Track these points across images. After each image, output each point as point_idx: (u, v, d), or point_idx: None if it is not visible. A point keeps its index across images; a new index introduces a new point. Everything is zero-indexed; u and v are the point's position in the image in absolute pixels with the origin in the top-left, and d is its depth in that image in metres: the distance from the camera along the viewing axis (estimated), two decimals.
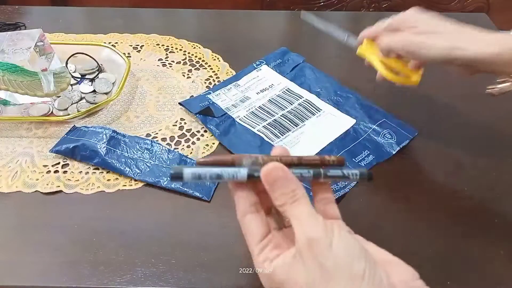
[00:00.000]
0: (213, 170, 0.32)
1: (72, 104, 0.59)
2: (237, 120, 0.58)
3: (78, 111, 0.58)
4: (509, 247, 0.46)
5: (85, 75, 0.64)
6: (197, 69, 0.67)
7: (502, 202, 0.50)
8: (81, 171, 0.52)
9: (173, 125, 0.58)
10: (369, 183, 0.34)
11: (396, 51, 0.49)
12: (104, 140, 0.53)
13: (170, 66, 0.68)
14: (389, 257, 0.31)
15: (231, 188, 0.33)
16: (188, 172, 0.31)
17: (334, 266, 0.28)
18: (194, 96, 0.62)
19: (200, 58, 0.69)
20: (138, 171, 0.51)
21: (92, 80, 0.63)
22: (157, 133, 0.57)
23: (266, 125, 0.58)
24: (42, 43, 0.60)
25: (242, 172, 0.32)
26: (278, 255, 0.30)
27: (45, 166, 0.53)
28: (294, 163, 0.33)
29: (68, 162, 0.53)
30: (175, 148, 0.55)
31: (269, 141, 0.55)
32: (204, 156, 0.33)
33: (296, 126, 0.58)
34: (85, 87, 0.62)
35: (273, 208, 0.34)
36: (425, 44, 0.46)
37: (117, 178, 0.51)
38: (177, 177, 0.31)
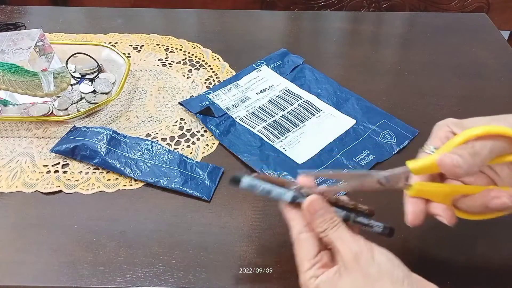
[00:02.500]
0: (265, 185, 0.36)
1: (72, 104, 0.59)
2: (237, 120, 0.58)
3: (78, 111, 0.58)
4: (509, 247, 0.46)
5: (85, 75, 0.64)
6: (197, 69, 0.67)
7: None
8: (81, 171, 0.52)
9: (173, 125, 0.58)
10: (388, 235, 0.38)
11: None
12: (105, 140, 0.53)
13: (170, 66, 0.68)
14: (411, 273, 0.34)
15: (284, 208, 0.37)
16: (246, 180, 0.36)
17: (378, 273, 0.32)
18: (194, 96, 0.62)
19: (200, 58, 0.69)
20: (138, 171, 0.51)
21: (92, 80, 0.63)
22: (157, 133, 0.57)
23: (266, 125, 0.58)
24: (42, 43, 0.60)
25: (288, 195, 0.36)
26: (323, 272, 0.34)
27: (45, 166, 0.53)
28: (331, 202, 0.36)
29: (68, 162, 0.53)
30: (175, 148, 0.55)
31: (269, 141, 0.55)
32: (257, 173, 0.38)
33: (296, 127, 0.58)
34: (85, 87, 0.62)
35: None
36: None
37: (117, 178, 0.51)
38: (235, 181, 0.36)
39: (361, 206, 0.38)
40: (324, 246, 0.35)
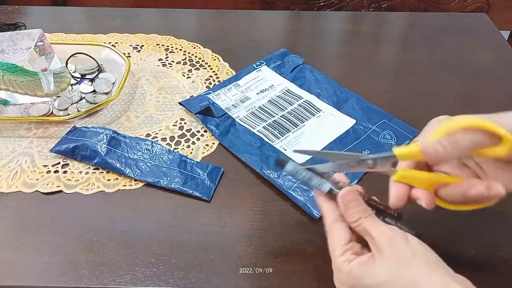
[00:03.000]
0: (307, 172, 0.38)
1: (72, 104, 0.59)
2: (237, 120, 0.58)
3: (78, 111, 0.58)
4: (509, 247, 0.46)
5: (85, 75, 0.64)
6: (197, 69, 0.67)
7: (502, 202, 0.50)
8: (81, 171, 0.52)
9: (173, 125, 0.58)
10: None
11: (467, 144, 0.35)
12: (105, 140, 0.53)
13: (170, 66, 0.68)
14: None
15: (319, 199, 0.39)
16: (291, 165, 0.38)
17: (412, 254, 0.33)
18: (194, 96, 0.62)
19: (200, 58, 0.69)
20: (138, 171, 0.51)
21: (92, 80, 0.63)
22: (157, 133, 0.57)
23: (266, 125, 0.58)
24: (42, 43, 0.60)
25: (326, 185, 0.38)
26: (355, 258, 0.35)
27: (45, 166, 0.53)
28: (363, 199, 0.38)
29: (68, 162, 0.53)
30: (175, 148, 0.55)
31: (269, 141, 0.55)
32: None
33: (296, 127, 0.58)
34: (85, 87, 0.62)
35: None
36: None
37: (117, 178, 0.51)
38: (281, 164, 0.38)
39: (391, 208, 0.39)
40: (356, 237, 0.37)
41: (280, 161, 0.38)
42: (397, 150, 0.37)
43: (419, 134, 0.39)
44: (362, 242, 0.37)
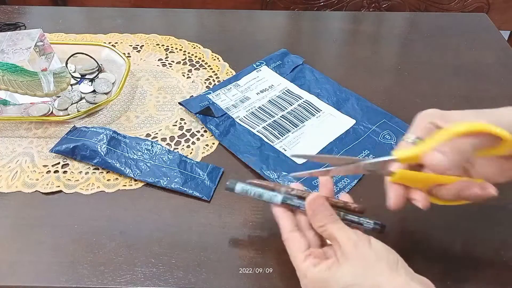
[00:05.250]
0: (257, 189, 0.41)
1: (72, 104, 0.59)
2: (237, 120, 0.58)
3: (78, 111, 0.58)
4: (509, 247, 0.46)
5: (85, 75, 0.64)
6: (197, 69, 0.67)
7: (502, 202, 0.50)
8: (81, 171, 0.52)
9: (173, 125, 0.58)
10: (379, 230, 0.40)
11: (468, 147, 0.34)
12: (105, 141, 0.53)
13: (170, 66, 0.68)
14: None
15: (274, 210, 0.41)
16: (239, 186, 0.42)
17: (375, 256, 0.35)
18: (194, 96, 0.62)
19: (200, 58, 0.69)
20: (138, 171, 0.51)
21: (92, 80, 0.63)
22: (157, 133, 0.57)
23: (266, 126, 0.58)
24: (42, 43, 0.60)
25: (278, 197, 0.41)
26: (319, 262, 0.36)
27: (45, 166, 0.53)
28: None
29: (68, 162, 0.53)
30: (175, 148, 0.55)
31: (269, 142, 0.55)
32: (251, 180, 0.43)
33: (296, 127, 0.58)
34: (85, 87, 0.62)
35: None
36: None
37: (117, 178, 0.51)
38: (231, 189, 0.42)
39: (351, 204, 0.41)
40: (318, 242, 0.39)
41: (228, 187, 0.42)
42: (399, 154, 0.37)
43: (410, 130, 0.39)
44: (321, 246, 0.39)
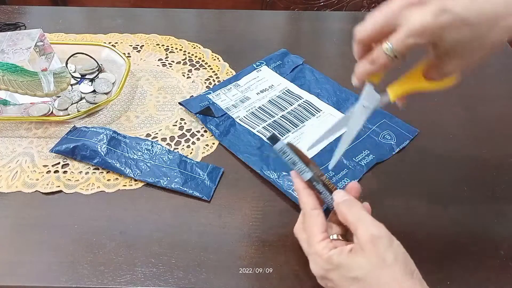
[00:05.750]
0: (293, 156, 0.40)
1: (72, 104, 0.59)
2: (237, 120, 0.58)
3: (78, 111, 0.58)
4: (509, 247, 0.46)
5: (85, 75, 0.64)
6: (197, 69, 0.67)
7: (502, 202, 0.50)
8: (81, 171, 0.52)
9: (173, 125, 0.58)
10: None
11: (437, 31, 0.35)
12: (105, 141, 0.53)
13: (170, 66, 0.68)
14: None
15: (299, 184, 0.40)
16: (280, 144, 0.40)
17: (394, 260, 0.34)
18: (194, 96, 0.62)
19: (200, 58, 0.69)
20: (138, 171, 0.51)
21: (92, 80, 0.63)
22: (157, 133, 0.57)
23: (266, 125, 0.58)
24: (42, 43, 0.60)
25: (307, 174, 0.40)
26: (335, 247, 0.37)
27: (45, 166, 0.53)
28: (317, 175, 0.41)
29: (68, 162, 0.53)
30: (175, 148, 0.55)
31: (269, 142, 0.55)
32: (292, 143, 0.42)
33: (296, 127, 0.58)
34: (85, 87, 0.62)
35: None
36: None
37: (117, 178, 0.51)
38: (273, 139, 0.40)
39: (332, 185, 0.41)
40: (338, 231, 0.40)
41: (274, 136, 0.40)
42: (392, 91, 0.42)
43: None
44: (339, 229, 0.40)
